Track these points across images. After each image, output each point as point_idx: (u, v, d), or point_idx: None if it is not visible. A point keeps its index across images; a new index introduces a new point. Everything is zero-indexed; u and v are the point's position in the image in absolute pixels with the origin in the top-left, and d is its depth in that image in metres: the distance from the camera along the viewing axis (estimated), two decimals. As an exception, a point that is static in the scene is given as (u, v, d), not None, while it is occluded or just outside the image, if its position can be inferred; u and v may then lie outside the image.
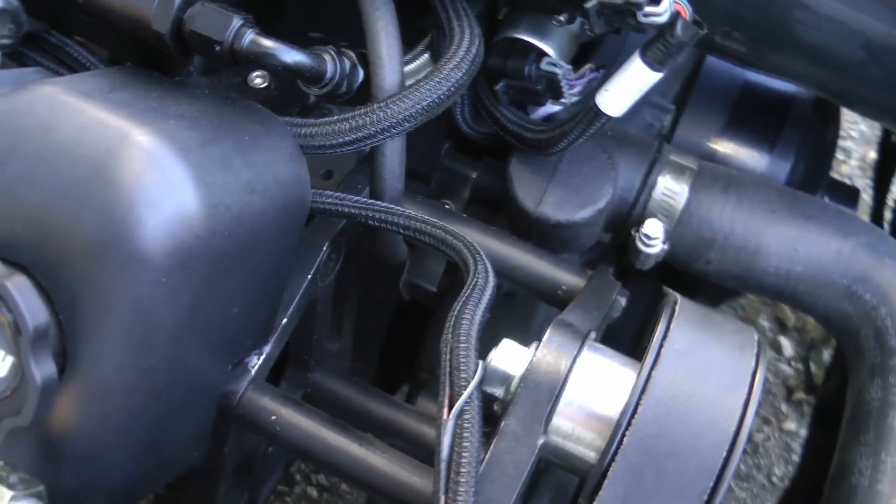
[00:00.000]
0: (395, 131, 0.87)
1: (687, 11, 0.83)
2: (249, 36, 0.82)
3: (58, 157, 0.71)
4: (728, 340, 0.78)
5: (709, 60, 1.15)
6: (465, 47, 0.90)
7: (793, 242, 1.01)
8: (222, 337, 0.82)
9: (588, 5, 0.84)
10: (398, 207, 0.90)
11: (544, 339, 0.78)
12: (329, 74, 0.86)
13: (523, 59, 0.98)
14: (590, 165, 1.01)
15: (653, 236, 1.00)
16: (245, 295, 0.81)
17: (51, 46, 0.90)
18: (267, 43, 0.82)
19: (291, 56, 0.83)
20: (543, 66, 0.98)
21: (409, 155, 0.92)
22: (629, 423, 0.73)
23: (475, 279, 0.81)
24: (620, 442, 0.73)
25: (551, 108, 1.06)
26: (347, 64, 0.87)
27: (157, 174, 0.71)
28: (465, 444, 0.70)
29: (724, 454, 0.70)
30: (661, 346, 0.77)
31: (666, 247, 1.02)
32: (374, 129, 0.86)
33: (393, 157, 0.90)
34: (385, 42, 0.88)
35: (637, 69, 0.88)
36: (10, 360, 0.71)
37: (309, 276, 0.90)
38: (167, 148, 0.72)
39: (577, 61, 1.02)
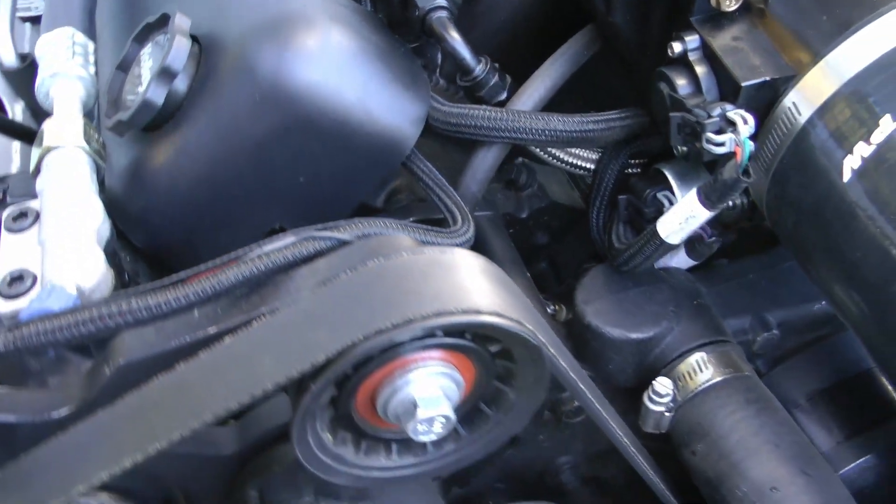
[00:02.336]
0: (505, 136, 1.02)
1: (743, 155, 0.89)
2: (442, 15, 1.05)
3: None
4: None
5: (848, 334, 1.12)
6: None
7: (775, 482, 0.95)
8: (276, 193, 1.02)
9: (672, 115, 0.94)
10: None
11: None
12: (476, 73, 1.05)
13: (654, 185, 1.08)
14: (655, 305, 1.06)
15: (662, 393, 1.01)
16: (312, 177, 1.00)
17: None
18: (449, 27, 1.05)
19: (460, 45, 1.05)
20: (660, 195, 1.07)
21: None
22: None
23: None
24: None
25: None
26: (495, 75, 1.06)
27: (313, 42, 0.97)
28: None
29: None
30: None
31: (669, 415, 1.02)
32: (494, 125, 1.02)
33: (486, 161, 1.05)
34: (542, 75, 1.05)
35: (692, 202, 0.94)
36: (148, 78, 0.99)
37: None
38: (332, 35, 0.98)
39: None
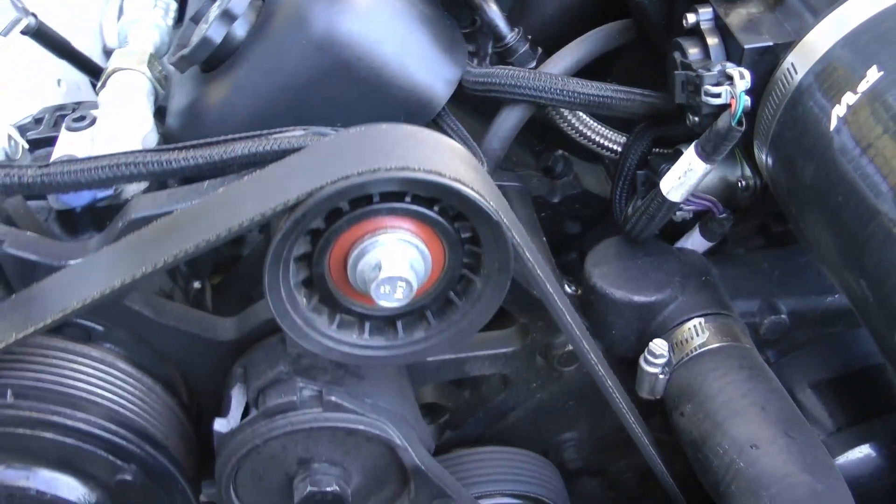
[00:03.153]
0: (526, 94, 1.08)
1: (737, 106, 0.93)
2: None
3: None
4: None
5: (860, 331, 1.11)
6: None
7: (756, 441, 0.95)
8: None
9: (677, 73, 0.99)
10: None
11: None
12: (508, 39, 1.13)
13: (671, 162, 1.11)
14: (661, 274, 1.08)
15: (657, 353, 1.03)
16: (347, 122, 1.07)
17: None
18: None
19: (496, 14, 1.14)
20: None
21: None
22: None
23: None
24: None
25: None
26: (526, 44, 1.13)
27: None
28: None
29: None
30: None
31: (663, 378, 1.03)
32: (517, 83, 1.08)
33: (508, 120, 1.11)
34: (571, 48, 1.12)
35: (690, 156, 0.98)
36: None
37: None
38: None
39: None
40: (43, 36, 1.15)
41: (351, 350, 0.86)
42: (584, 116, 1.16)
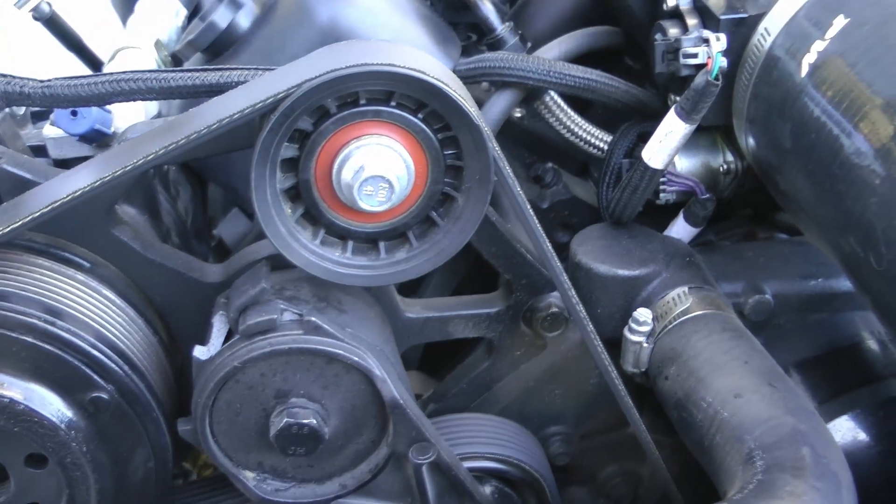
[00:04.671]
0: (514, 75, 1.12)
1: (714, 63, 0.97)
2: None
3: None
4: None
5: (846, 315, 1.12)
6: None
7: (739, 390, 0.94)
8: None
9: (656, 42, 1.04)
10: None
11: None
12: (498, 32, 1.19)
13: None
14: (645, 252, 1.09)
15: (640, 321, 1.03)
16: None
17: None
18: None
19: (487, 9, 1.19)
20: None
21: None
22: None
23: None
24: None
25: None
26: (515, 37, 1.19)
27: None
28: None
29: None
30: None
31: (648, 347, 1.04)
32: (505, 65, 1.12)
33: (496, 104, 1.14)
34: (558, 41, 1.18)
35: (671, 119, 1.02)
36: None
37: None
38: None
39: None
40: (55, 25, 1.20)
41: (333, 267, 0.87)
42: (572, 113, 1.20)
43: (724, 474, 0.90)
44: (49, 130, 1.02)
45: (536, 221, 0.89)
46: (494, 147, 0.83)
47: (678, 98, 1.03)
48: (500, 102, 1.15)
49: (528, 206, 0.87)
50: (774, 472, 0.85)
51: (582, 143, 1.21)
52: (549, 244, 0.91)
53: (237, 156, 1.20)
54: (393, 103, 0.82)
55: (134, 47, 1.15)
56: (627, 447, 1.17)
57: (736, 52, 1.02)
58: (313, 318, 0.88)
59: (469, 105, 0.81)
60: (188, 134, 0.79)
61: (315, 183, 0.84)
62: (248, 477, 0.94)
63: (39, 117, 1.12)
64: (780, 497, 0.82)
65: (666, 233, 1.16)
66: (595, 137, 1.21)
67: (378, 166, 0.81)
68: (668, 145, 1.03)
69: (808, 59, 0.93)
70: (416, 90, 0.80)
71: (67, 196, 0.81)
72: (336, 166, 0.83)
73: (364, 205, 0.82)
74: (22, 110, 1.06)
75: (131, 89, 0.87)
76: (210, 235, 1.32)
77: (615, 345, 1.07)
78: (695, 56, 0.99)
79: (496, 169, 0.84)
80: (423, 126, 0.83)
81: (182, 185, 1.22)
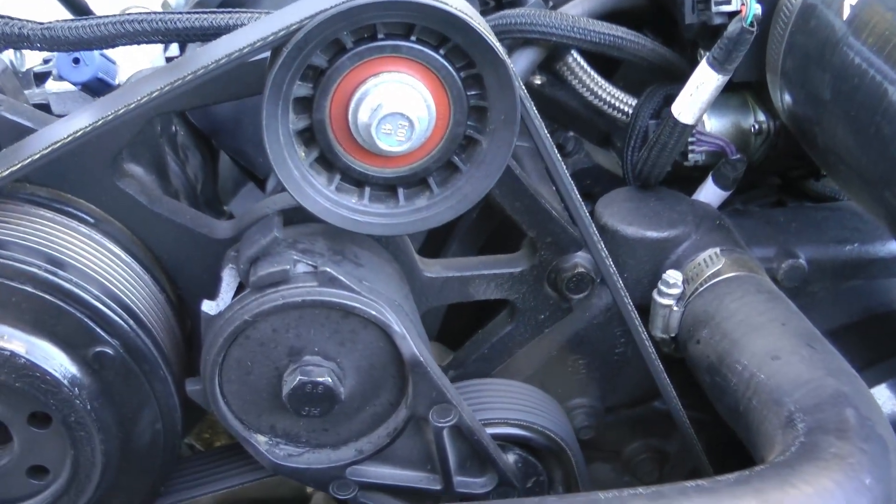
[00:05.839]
0: (537, 31, 1.07)
1: (748, 9, 0.92)
2: None
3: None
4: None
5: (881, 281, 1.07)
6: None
7: (777, 352, 0.89)
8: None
9: (686, -7, 1.00)
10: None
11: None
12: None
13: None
14: (674, 214, 1.05)
15: (671, 283, 0.99)
16: None
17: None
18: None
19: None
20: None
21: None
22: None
23: None
24: None
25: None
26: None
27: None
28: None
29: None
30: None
31: (677, 311, 0.99)
32: (528, 20, 1.08)
33: (518, 62, 1.09)
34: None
35: (703, 71, 0.98)
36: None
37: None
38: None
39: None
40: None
41: (349, 214, 0.83)
42: (596, 75, 1.16)
43: (762, 438, 0.85)
44: (52, 85, 0.98)
45: (565, 168, 0.84)
46: (520, 86, 0.78)
47: (708, 53, 0.99)
48: (522, 61, 1.11)
49: (556, 151, 0.83)
50: (817, 434, 0.80)
51: (606, 107, 1.17)
52: (577, 193, 0.86)
53: (248, 119, 1.17)
54: (413, 38, 0.77)
55: (141, 7, 1.11)
56: (653, 422, 1.13)
57: (769, 1, 0.97)
58: (328, 269, 0.83)
59: (494, 39, 0.76)
60: (195, 69, 0.75)
61: (330, 124, 0.80)
62: (260, 441, 0.90)
63: (42, 79, 1.08)
64: (824, 459, 0.78)
65: (694, 197, 1.11)
66: (619, 101, 1.16)
67: (397, 103, 0.77)
68: (699, 98, 0.99)
69: (849, 1, 0.88)
70: (438, 22, 0.76)
71: (68, 137, 0.77)
72: (353, 105, 0.78)
73: (382, 144, 0.78)
74: (24, 68, 1.02)
75: (136, 31, 0.83)
76: (221, 210, 1.29)
77: (644, 312, 1.02)
78: (728, 3, 0.95)
79: (522, 110, 0.79)
80: (445, 63, 0.78)
81: (191, 150, 1.18)
